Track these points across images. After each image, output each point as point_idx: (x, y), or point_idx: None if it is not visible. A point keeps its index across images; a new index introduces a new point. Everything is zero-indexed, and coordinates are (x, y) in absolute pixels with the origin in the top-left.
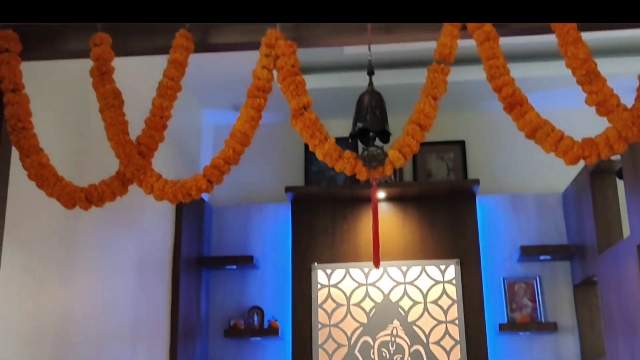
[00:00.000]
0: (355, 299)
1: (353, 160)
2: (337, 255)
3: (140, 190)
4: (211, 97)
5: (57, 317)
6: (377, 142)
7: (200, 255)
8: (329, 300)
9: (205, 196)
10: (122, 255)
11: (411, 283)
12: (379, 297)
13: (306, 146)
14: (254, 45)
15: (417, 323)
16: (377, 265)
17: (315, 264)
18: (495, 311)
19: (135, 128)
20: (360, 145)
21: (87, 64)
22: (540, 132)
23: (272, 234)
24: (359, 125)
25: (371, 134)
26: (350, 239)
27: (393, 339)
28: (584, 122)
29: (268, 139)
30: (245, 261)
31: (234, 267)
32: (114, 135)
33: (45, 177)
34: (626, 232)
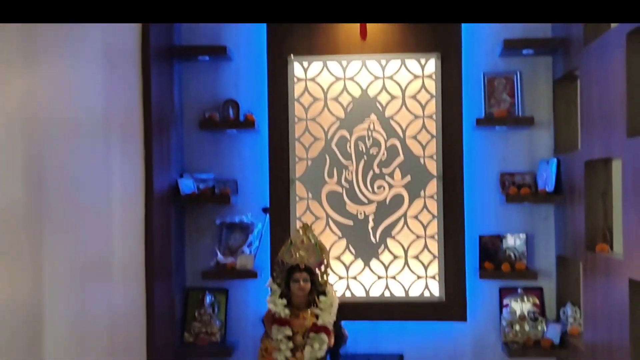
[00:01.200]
0: (332, 93)
1: None
2: (315, 47)
3: None
4: None
5: (24, 103)
6: None
7: (170, 44)
8: (306, 94)
9: None
10: (87, 42)
11: (390, 77)
12: (356, 92)
13: None
14: None
15: (394, 118)
16: (364, 37)
17: (292, 56)
18: (473, 106)
19: None
20: None
21: None
22: None
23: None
24: None
25: None
26: (329, 30)
27: (370, 133)
28: None
29: None
30: (219, 52)
31: (207, 58)
32: None
33: None
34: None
